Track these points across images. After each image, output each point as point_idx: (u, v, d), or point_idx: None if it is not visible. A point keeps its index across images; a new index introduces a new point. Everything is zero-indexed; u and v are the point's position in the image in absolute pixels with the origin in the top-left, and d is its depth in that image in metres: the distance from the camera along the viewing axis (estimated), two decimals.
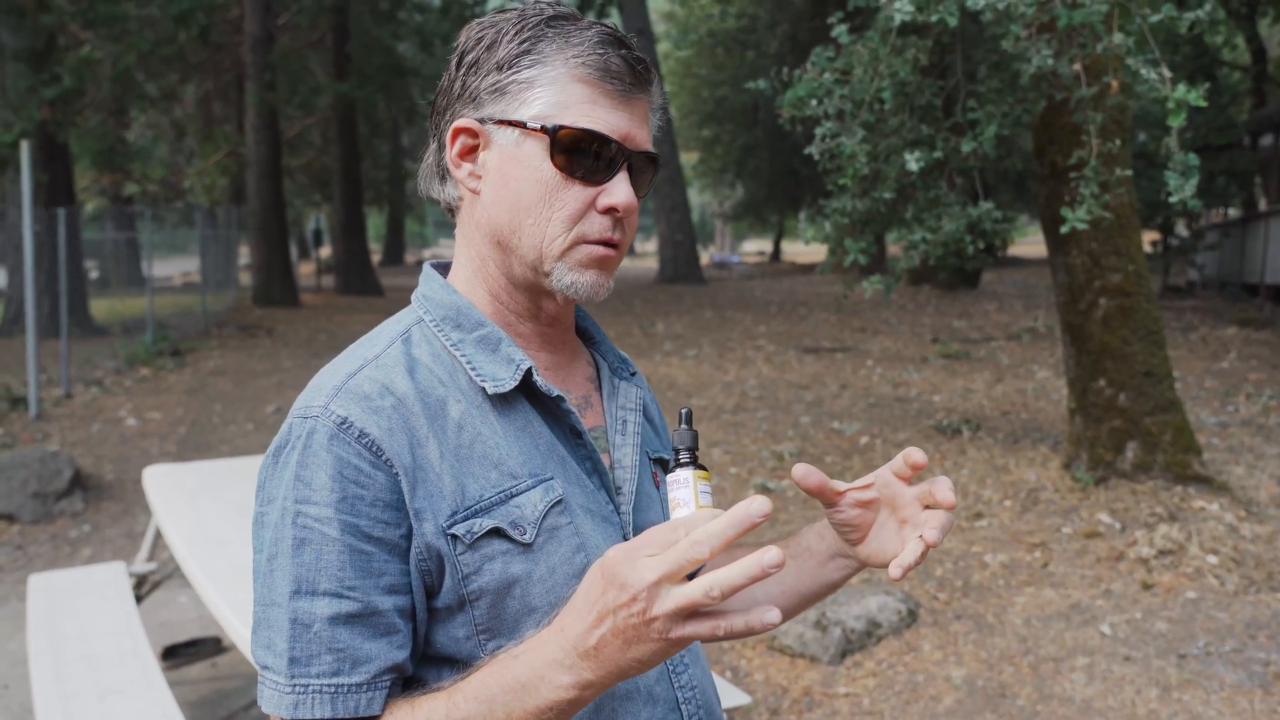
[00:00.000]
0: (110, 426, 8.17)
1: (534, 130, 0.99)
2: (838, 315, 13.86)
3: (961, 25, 4.53)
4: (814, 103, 4.55)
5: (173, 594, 4.89)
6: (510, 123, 1.00)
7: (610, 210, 1.01)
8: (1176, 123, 3.57)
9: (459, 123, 1.03)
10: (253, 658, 0.94)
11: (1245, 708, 3.41)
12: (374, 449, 0.92)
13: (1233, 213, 17.78)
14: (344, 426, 0.93)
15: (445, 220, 1.18)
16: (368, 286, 21.17)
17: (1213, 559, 4.45)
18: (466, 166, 1.04)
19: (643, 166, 1.04)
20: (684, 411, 0.95)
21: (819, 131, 4.54)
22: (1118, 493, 5.17)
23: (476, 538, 0.94)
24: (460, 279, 1.09)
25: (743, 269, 30.39)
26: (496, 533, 0.95)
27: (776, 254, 36.27)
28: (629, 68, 1.00)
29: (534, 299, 1.07)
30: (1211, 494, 5.04)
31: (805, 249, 43.88)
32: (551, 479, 1.00)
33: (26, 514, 6.02)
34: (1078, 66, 4.14)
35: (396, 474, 0.93)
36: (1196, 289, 16.18)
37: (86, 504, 6.31)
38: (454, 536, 0.94)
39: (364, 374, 0.97)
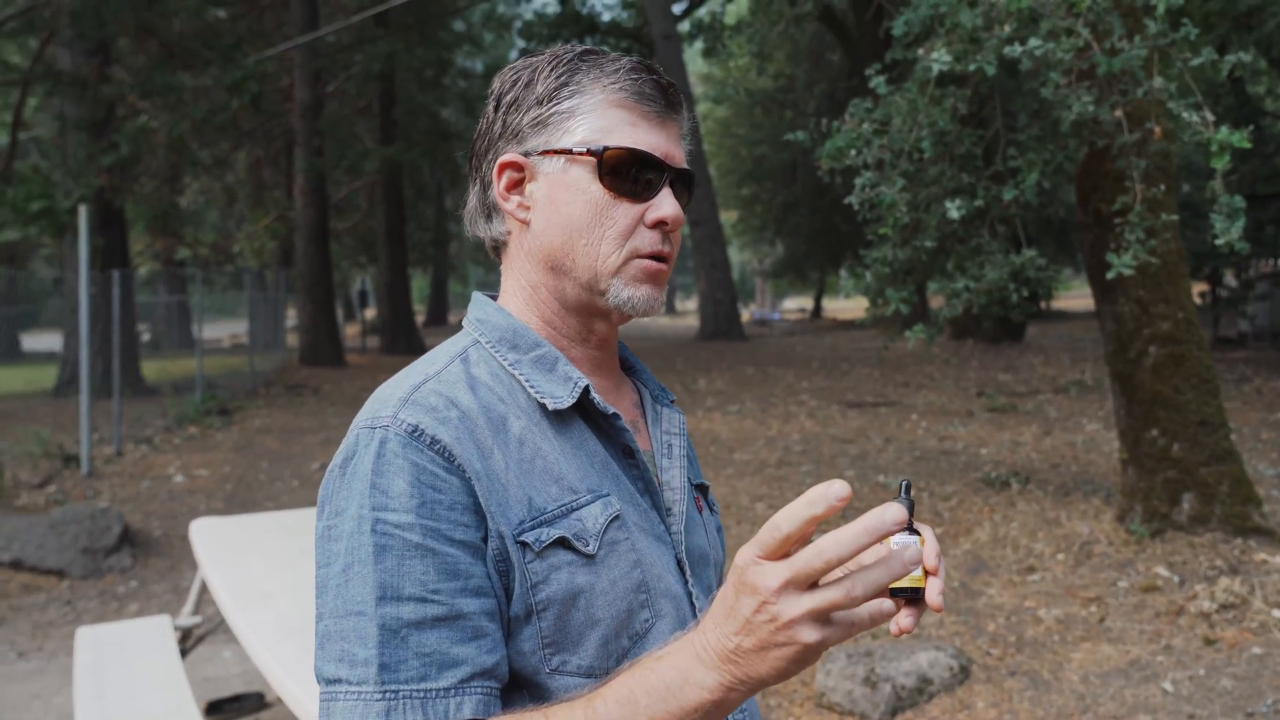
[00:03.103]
0: (159, 484, 8.28)
1: (580, 154, 1.03)
2: (880, 370, 13.75)
3: (1000, 74, 4.54)
4: (853, 153, 4.57)
5: (216, 649, 4.90)
6: (556, 151, 1.04)
7: (659, 224, 1.05)
8: (1221, 164, 3.54)
9: (504, 158, 1.07)
10: (319, 674, 0.92)
11: None
12: (446, 455, 0.94)
13: None
14: (415, 434, 0.94)
15: (487, 281, 1.22)
16: (412, 346, 21.45)
17: (1278, 613, 4.29)
18: (515, 199, 1.08)
19: (681, 184, 1.08)
20: (904, 483, 0.99)
21: (859, 181, 4.55)
22: (1175, 545, 5.02)
23: (544, 546, 0.96)
24: (512, 306, 1.11)
25: (784, 326, 30.36)
26: (562, 543, 0.97)
27: (817, 311, 36.21)
28: (661, 91, 1.06)
29: (586, 322, 1.10)
30: (1274, 546, 4.87)
31: (846, 305, 43.77)
32: (608, 495, 1.03)
33: (76, 569, 6.10)
34: (1119, 113, 4.12)
35: (469, 479, 0.94)
36: (1248, 340, 15.85)
37: (135, 560, 6.38)
38: (523, 544, 0.95)
39: (427, 387, 0.99)
